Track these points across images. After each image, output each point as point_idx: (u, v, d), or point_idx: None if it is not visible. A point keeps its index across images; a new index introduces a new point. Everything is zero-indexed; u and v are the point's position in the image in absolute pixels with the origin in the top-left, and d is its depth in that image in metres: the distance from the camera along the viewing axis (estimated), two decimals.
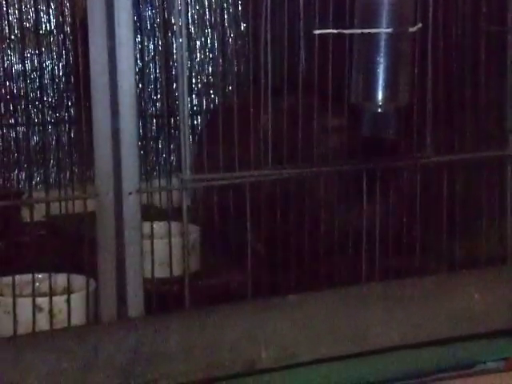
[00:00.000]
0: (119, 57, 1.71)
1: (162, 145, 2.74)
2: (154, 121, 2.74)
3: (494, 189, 2.04)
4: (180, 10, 1.76)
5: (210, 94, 2.91)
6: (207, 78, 2.92)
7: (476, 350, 1.91)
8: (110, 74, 1.71)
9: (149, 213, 1.81)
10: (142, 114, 1.92)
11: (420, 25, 1.78)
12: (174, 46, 1.94)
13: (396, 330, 1.90)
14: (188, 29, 2.79)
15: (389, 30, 1.72)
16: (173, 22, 1.80)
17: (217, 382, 1.77)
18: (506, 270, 2.03)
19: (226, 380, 1.77)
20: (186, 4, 2.75)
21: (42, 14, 2.70)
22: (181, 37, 1.77)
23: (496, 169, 2.06)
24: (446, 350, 1.91)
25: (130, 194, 1.72)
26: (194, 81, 2.85)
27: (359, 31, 1.74)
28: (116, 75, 1.71)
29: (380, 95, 1.74)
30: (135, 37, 1.75)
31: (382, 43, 1.73)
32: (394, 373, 1.86)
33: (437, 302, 1.95)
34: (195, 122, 2.80)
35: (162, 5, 2.77)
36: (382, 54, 1.73)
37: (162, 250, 1.87)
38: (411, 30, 1.75)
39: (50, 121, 2.72)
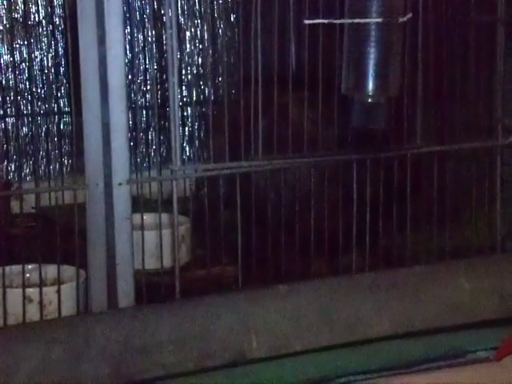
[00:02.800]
0: (109, 47, 1.71)
1: (152, 136, 2.74)
2: (144, 112, 2.74)
3: (483, 178, 2.05)
4: (170, 1, 1.75)
5: (200, 85, 2.90)
6: (197, 70, 2.91)
7: (466, 340, 1.91)
8: (99, 64, 1.71)
9: (139, 204, 1.81)
10: (131, 106, 1.91)
11: (410, 15, 1.78)
12: (164, 37, 1.94)
13: (387, 319, 1.90)
14: (178, 20, 2.78)
15: (379, 20, 1.72)
16: (162, 12, 1.80)
17: (208, 371, 1.77)
18: (496, 259, 2.04)
19: (217, 370, 1.77)
20: None
21: (30, 4, 2.69)
22: (171, 27, 1.77)
23: (486, 159, 2.06)
24: (437, 339, 1.92)
25: (120, 184, 1.72)
26: (184, 72, 2.84)
27: (349, 21, 1.74)
28: (106, 66, 1.71)
29: (370, 86, 1.74)
30: (125, 28, 1.74)
31: (372, 33, 1.73)
32: (384, 362, 1.86)
33: (427, 291, 1.95)
34: (185, 114, 2.80)
35: None
36: (372, 44, 1.73)
37: (152, 241, 1.86)
38: (401, 19, 1.75)
39: (40, 112, 2.71)
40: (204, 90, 2.90)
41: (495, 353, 1.85)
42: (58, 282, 1.75)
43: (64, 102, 2.76)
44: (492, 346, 1.86)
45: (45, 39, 2.74)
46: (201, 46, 2.91)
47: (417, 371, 1.86)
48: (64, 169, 1.88)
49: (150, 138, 2.76)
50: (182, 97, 2.82)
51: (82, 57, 1.71)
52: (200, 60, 2.90)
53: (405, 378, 1.83)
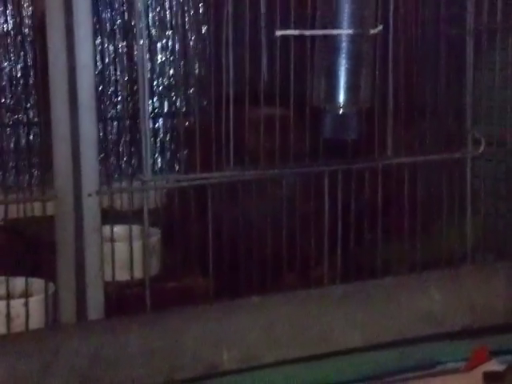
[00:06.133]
0: (78, 58, 1.69)
1: (123, 147, 2.73)
2: (116, 123, 2.73)
3: (454, 190, 2.05)
4: (140, 12, 1.75)
5: (171, 96, 2.90)
6: (168, 81, 2.90)
7: (437, 351, 1.91)
8: (68, 75, 1.69)
9: (109, 215, 1.80)
10: (102, 117, 1.90)
11: (381, 27, 1.79)
12: (135, 48, 1.93)
13: (358, 331, 1.90)
14: (149, 31, 2.78)
15: (350, 32, 1.72)
16: (133, 23, 1.79)
17: None
18: (466, 270, 2.04)
19: (187, 383, 1.76)
20: (147, 6, 2.73)
21: None
22: (141, 38, 1.76)
23: (456, 170, 2.07)
24: (408, 350, 1.92)
25: (90, 195, 1.70)
26: (155, 83, 2.84)
27: (320, 32, 1.75)
28: (75, 77, 1.69)
29: (341, 97, 1.74)
30: (95, 39, 1.73)
31: (343, 45, 1.73)
32: (355, 374, 1.86)
33: (398, 303, 1.95)
34: (156, 125, 2.79)
35: (122, 6, 2.76)
36: (343, 56, 1.74)
37: (122, 252, 1.85)
38: (372, 31, 1.75)
39: (8, 123, 2.69)
40: (175, 101, 2.89)
41: (465, 364, 1.85)
42: (26, 294, 1.73)
43: (33, 113, 2.74)
44: (462, 357, 1.86)
45: (14, 50, 2.72)
46: (172, 58, 2.91)
47: (388, 382, 1.86)
48: (33, 180, 1.86)
49: (120, 149, 2.75)
50: (154, 108, 2.82)
51: (51, 68, 1.69)
52: (171, 71, 2.90)
53: None
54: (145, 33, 1.77)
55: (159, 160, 2.88)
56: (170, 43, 2.91)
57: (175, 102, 2.90)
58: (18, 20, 2.69)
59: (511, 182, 2.07)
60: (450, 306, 1.99)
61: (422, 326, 1.96)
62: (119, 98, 2.74)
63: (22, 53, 2.68)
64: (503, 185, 2.08)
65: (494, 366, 1.84)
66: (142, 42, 1.76)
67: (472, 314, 2.00)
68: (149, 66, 1.77)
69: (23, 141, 2.65)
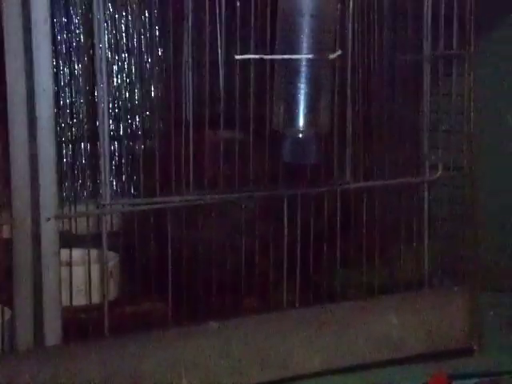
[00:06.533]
0: (37, 80, 1.68)
1: (78, 170, 2.70)
2: (70, 146, 2.70)
3: (412, 214, 2.07)
4: (100, 33, 1.74)
5: (128, 119, 2.88)
6: (124, 103, 2.89)
7: (396, 376, 1.92)
8: (27, 98, 1.68)
9: (67, 239, 1.78)
10: (58, 139, 1.88)
11: (340, 52, 1.80)
12: (91, 70, 1.92)
13: (317, 355, 1.90)
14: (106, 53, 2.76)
15: (309, 56, 1.73)
16: (89, 45, 1.77)
17: None
18: (423, 294, 2.06)
19: None
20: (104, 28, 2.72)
21: None
22: (101, 61, 1.75)
23: (414, 195, 2.09)
24: (367, 374, 1.92)
25: (49, 219, 1.69)
26: (111, 106, 2.82)
27: (280, 57, 1.75)
28: (34, 99, 1.68)
29: (301, 121, 1.75)
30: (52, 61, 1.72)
31: (303, 69, 1.74)
32: None
33: (356, 327, 1.96)
34: (112, 148, 2.77)
35: (79, 29, 2.74)
36: (302, 80, 1.74)
37: (80, 277, 1.83)
38: (331, 56, 1.77)
39: None
40: (132, 124, 2.88)
41: None
42: None
43: None
44: (421, 381, 1.87)
45: None
46: (128, 80, 2.89)
47: None
48: None
49: (75, 172, 2.72)
50: (110, 130, 2.79)
51: (9, 91, 1.67)
52: (127, 94, 2.89)
53: None
54: (105, 54, 1.76)
55: (114, 183, 2.86)
56: (125, 66, 2.90)
57: (131, 125, 2.89)
58: None
59: (468, 206, 2.09)
60: (407, 330, 2.00)
61: (381, 351, 1.97)
62: (74, 121, 2.72)
63: None
64: (460, 209, 2.10)
65: None
66: (100, 64, 1.75)
67: (429, 338, 2.01)
68: (106, 88, 1.76)
69: None
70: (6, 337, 1.72)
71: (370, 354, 1.95)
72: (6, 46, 1.67)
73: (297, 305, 1.92)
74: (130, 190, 2.83)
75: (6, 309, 1.74)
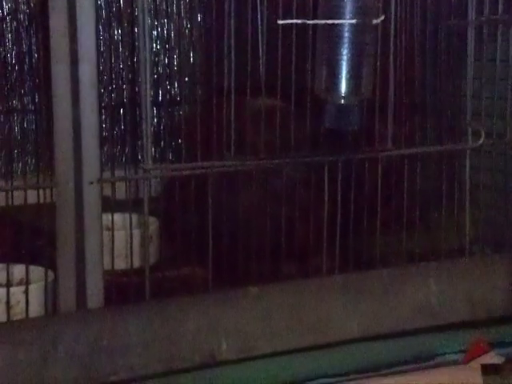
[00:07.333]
0: (80, 44, 1.68)
1: (123, 134, 2.72)
2: (116, 111, 2.71)
3: (453, 182, 2.05)
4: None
5: (167, 85, 2.89)
6: (164, 69, 2.89)
7: (435, 343, 1.92)
8: (70, 62, 1.68)
9: (108, 204, 1.79)
10: (102, 104, 1.89)
11: (383, 17, 1.78)
12: (132, 35, 1.91)
13: (356, 322, 1.90)
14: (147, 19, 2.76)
15: (352, 21, 1.72)
16: (129, 11, 1.77)
17: (177, 374, 1.75)
18: (464, 262, 2.05)
19: (185, 372, 1.76)
20: None
21: None
22: (143, 26, 1.75)
23: (455, 162, 2.07)
24: (406, 341, 1.92)
25: (91, 183, 1.69)
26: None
27: (322, 22, 1.74)
28: (77, 63, 1.68)
29: (343, 87, 1.73)
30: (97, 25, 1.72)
31: (346, 35, 1.73)
32: (353, 365, 1.87)
33: (396, 294, 1.95)
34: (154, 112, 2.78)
35: None
36: (345, 46, 1.73)
37: (121, 241, 1.84)
38: (375, 21, 1.75)
39: (2, 110, 2.67)
40: (170, 90, 2.88)
41: (464, 355, 1.86)
42: (26, 282, 1.72)
43: (27, 100, 2.72)
44: (461, 349, 1.87)
45: (9, 35, 2.70)
46: (167, 46, 2.89)
47: (386, 374, 1.87)
48: (30, 167, 1.85)
49: (115, 137, 2.74)
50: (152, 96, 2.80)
51: (53, 54, 1.67)
52: (166, 60, 2.89)
53: (374, 381, 1.83)
54: (147, 18, 1.75)
55: (152, 149, 2.87)
56: (165, 32, 2.90)
57: (170, 91, 2.89)
58: (13, 5, 2.67)
59: (510, 175, 2.07)
60: (448, 298, 1.99)
61: (421, 318, 1.96)
62: (114, 87, 2.73)
63: (16, 39, 2.66)
64: (502, 177, 2.08)
65: (493, 358, 1.84)
66: (143, 26, 1.74)
67: (470, 305, 2.00)
68: (150, 53, 1.75)
69: (17, 128, 2.63)
70: (49, 299, 1.74)
71: (409, 321, 1.95)
72: (51, 9, 1.67)
73: (336, 271, 1.92)
74: (167, 156, 2.84)
75: (49, 271, 1.75)
